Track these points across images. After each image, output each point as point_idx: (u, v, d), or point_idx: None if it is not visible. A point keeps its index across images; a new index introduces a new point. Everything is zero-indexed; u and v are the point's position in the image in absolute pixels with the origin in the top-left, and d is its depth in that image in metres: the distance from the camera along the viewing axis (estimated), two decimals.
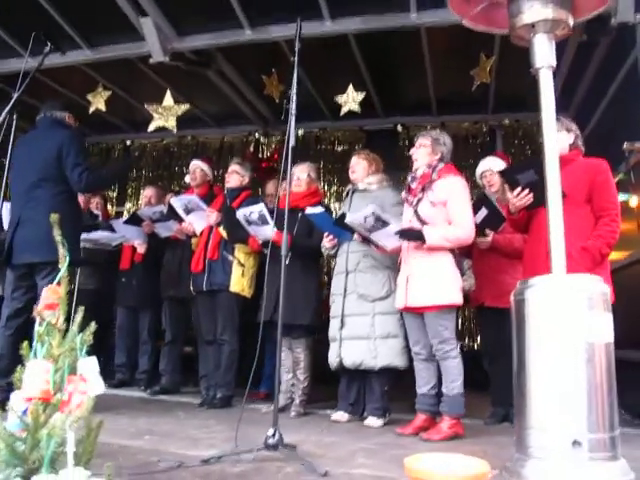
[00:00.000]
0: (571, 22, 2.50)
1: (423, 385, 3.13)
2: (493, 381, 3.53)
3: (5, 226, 4.33)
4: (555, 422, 2.07)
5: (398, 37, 4.38)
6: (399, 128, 6.43)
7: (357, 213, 3.20)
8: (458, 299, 3.04)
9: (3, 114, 2.78)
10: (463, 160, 6.05)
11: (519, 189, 2.89)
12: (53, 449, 1.35)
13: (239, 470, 2.10)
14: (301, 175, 3.92)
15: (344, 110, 5.36)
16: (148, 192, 4.98)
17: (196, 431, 2.93)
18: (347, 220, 3.25)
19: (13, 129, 2.93)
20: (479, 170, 3.93)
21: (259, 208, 3.58)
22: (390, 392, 3.50)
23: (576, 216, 2.49)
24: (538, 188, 2.87)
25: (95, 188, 4.01)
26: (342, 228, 3.39)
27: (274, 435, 2.25)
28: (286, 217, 2.59)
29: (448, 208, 3.10)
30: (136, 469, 2.00)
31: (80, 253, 3.66)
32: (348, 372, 3.52)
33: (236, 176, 4.11)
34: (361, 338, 3.40)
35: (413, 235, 3.08)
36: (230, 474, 2.04)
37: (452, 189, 3.11)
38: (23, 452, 1.38)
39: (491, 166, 3.82)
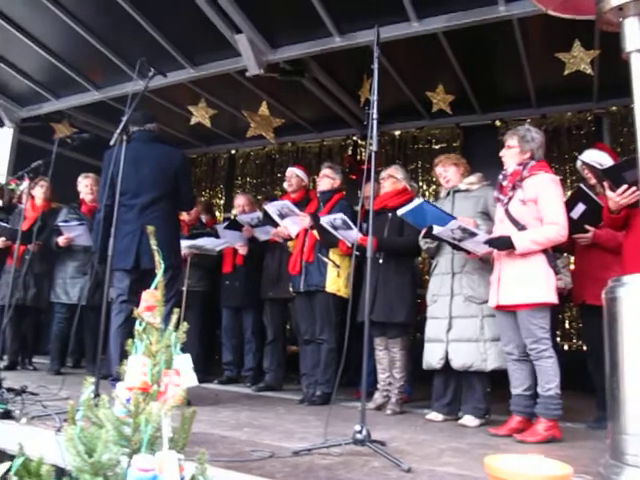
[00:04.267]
0: None
1: (517, 386, 3.07)
2: (598, 383, 3.36)
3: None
4: None
5: (489, 30, 4.28)
6: (497, 123, 6.26)
7: (443, 227, 3.19)
8: (552, 298, 2.94)
9: (115, 136, 3.06)
10: (567, 152, 5.79)
11: (625, 187, 2.78)
12: (151, 433, 1.52)
13: (327, 462, 2.19)
14: (384, 175, 4.00)
15: (435, 108, 5.33)
16: (240, 201, 5.21)
17: (293, 425, 3.07)
18: (435, 232, 3.24)
19: (124, 148, 3.17)
20: (579, 162, 3.77)
21: (340, 216, 3.69)
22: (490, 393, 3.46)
23: None
24: None
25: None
26: (434, 239, 3.39)
27: (361, 431, 2.32)
28: (371, 220, 2.64)
29: (539, 206, 3.02)
30: (232, 457, 2.15)
31: (181, 259, 3.96)
32: (444, 372, 3.51)
33: (327, 179, 4.25)
34: (470, 341, 3.38)
35: (502, 243, 3.03)
36: (318, 466, 2.14)
37: (542, 186, 3.02)
38: (128, 434, 1.57)
39: (592, 158, 3.64)
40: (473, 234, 3.11)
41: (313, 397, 4.02)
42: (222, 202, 7.92)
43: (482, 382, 3.41)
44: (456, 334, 3.42)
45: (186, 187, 3.77)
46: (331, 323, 4.11)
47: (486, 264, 3.39)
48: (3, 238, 5.00)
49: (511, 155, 3.22)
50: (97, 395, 2.63)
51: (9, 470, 1.58)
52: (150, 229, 1.80)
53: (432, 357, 3.51)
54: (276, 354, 4.77)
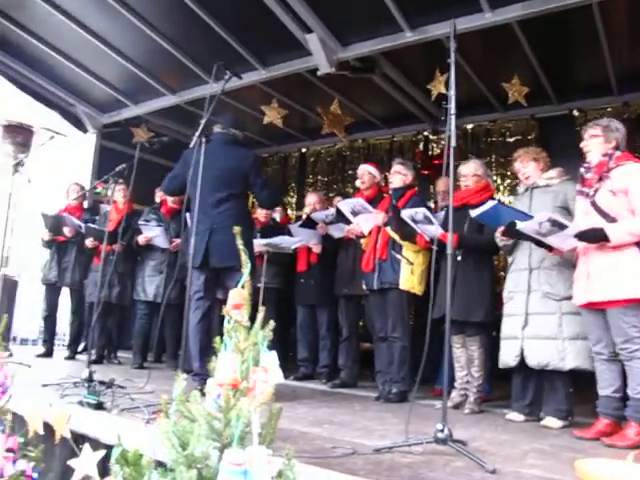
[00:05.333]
0: None
1: (606, 387, 2.93)
2: None
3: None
4: None
5: (567, 16, 4.12)
6: (575, 113, 5.99)
7: (530, 220, 3.06)
8: None
9: (195, 138, 3.14)
10: None
11: None
12: (241, 428, 1.56)
13: (408, 461, 2.19)
14: (467, 173, 3.90)
15: (510, 100, 5.18)
16: (311, 199, 5.27)
17: (370, 422, 3.08)
18: (519, 227, 3.11)
19: (203, 149, 3.24)
20: None
21: (422, 210, 3.64)
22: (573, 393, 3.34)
23: None
24: None
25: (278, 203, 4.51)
26: (515, 236, 3.30)
27: (443, 430, 2.30)
28: (451, 217, 2.60)
29: (630, 197, 2.86)
30: (314, 453, 2.18)
31: (254, 257, 4.02)
32: (523, 370, 3.42)
33: (398, 176, 4.21)
34: (548, 338, 3.27)
35: (595, 236, 2.88)
36: (399, 464, 2.14)
37: (632, 176, 2.86)
38: (219, 429, 1.63)
39: None
40: (563, 226, 2.98)
41: (389, 395, 4.01)
42: (294, 200, 8.02)
43: (564, 382, 3.30)
44: (532, 331, 3.32)
45: (259, 184, 3.76)
46: (404, 320, 4.08)
47: (568, 260, 3.27)
48: (91, 239, 5.29)
49: (594, 145, 3.06)
50: None
51: (107, 458, 1.67)
52: (236, 229, 1.85)
53: (507, 354, 3.43)
54: (351, 351, 4.79)
